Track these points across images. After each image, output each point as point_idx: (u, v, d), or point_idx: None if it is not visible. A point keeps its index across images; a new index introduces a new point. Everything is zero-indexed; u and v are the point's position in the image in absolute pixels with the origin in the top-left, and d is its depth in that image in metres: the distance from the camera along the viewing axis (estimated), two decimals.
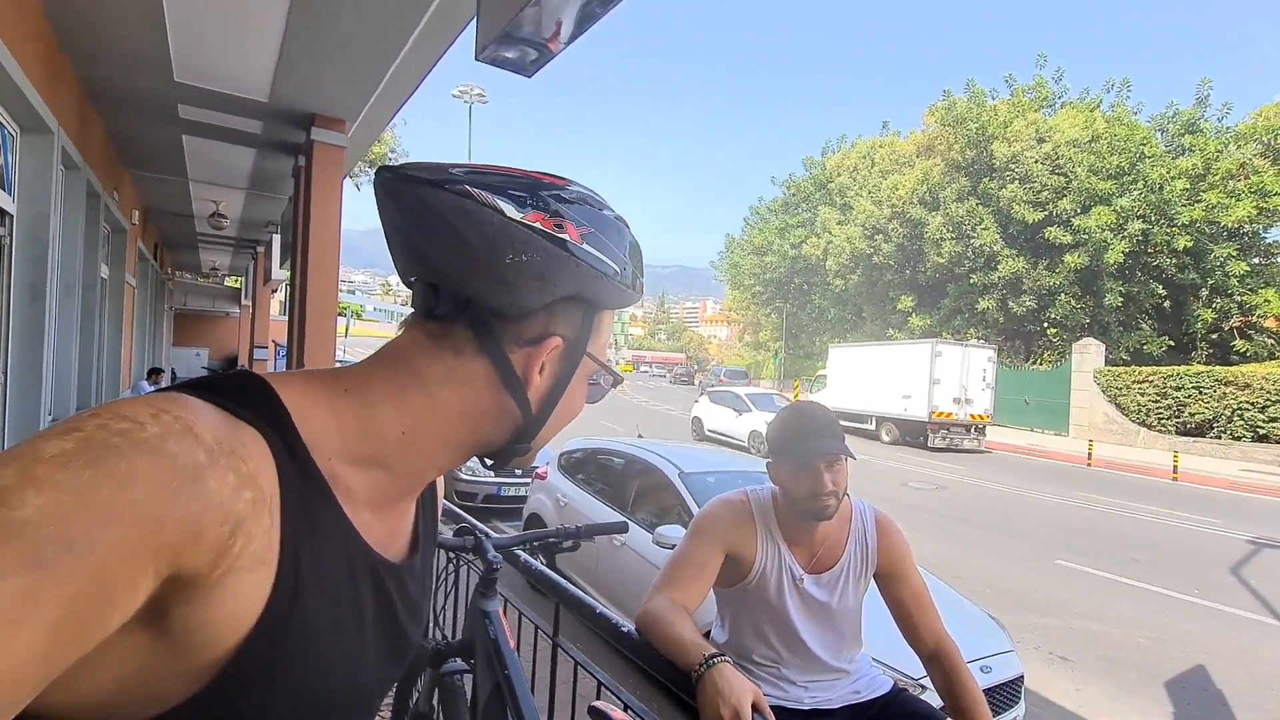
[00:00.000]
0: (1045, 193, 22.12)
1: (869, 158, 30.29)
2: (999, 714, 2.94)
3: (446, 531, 1.81)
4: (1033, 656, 4.42)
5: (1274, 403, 15.24)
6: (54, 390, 4.39)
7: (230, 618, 0.43)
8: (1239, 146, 20.21)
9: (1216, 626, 5.19)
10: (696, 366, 49.76)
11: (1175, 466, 12.79)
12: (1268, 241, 21.23)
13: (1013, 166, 22.82)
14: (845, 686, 1.51)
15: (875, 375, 17.31)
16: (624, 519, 1.69)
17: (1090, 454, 14.66)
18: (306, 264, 5.14)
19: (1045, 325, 23.26)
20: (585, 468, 5.22)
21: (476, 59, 2.02)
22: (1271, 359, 19.27)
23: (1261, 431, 15.40)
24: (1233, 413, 15.90)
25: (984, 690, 2.91)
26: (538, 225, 0.52)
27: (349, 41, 4.08)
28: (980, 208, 23.65)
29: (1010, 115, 23.74)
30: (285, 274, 9.08)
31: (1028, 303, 22.72)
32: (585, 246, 0.53)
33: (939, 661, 1.46)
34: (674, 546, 3.59)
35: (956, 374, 15.71)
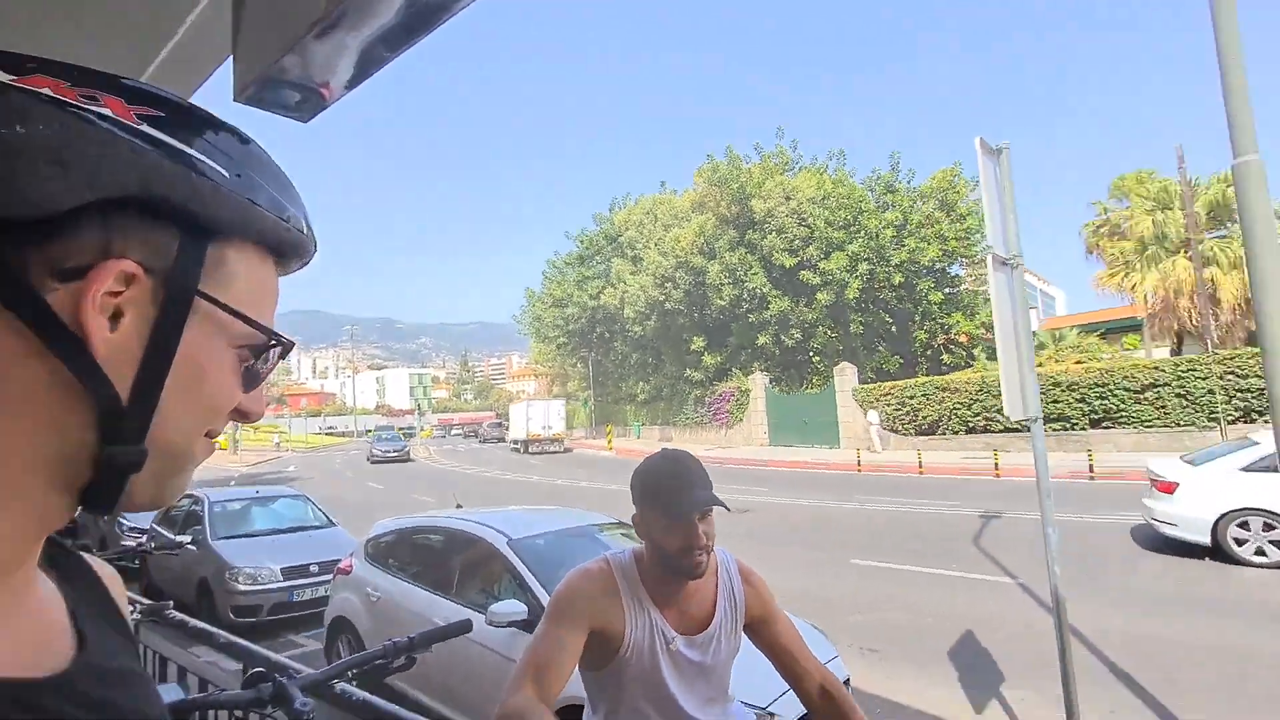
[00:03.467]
0: (796, 241, 25.91)
1: (652, 213, 32.87)
2: None
3: (229, 675, 1.42)
4: (848, 654, 4.85)
5: (975, 401, 19.24)
6: None
7: None
8: (924, 202, 25.80)
9: (972, 593, 6.23)
10: (499, 422, 49.13)
11: (920, 463, 15.42)
12: (953, 275, 27.23)
13: (769, 220, 26.41)
14: None
15: (518, 417, 32.80)
16: (466, 617, 1.46)
17: (860, 461, 17.04)
18: None
19: (811, 354, 26.89)
20: (398, 552, 4.67)
21: (235, 100, 1.73)
22: (968, 367, 24.45)
23: (970, 425, 19.30)
24: (950, 412, 19.72)
25: None
26: (45, 91, 0.37)
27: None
28: (749, 255, 26.89)
29: (762, 176, 27.60)
30: None
31: (795, 335, 26.13)
32: (145, 128, 0.39)
33: (830, 697, 1.43)
34: (510, 624, 3.35)
35: (541, 415, 30.77)
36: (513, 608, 3.28)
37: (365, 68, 1.78)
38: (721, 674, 1.43)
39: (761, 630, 1.49)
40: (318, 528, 7.46)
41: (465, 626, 1.46)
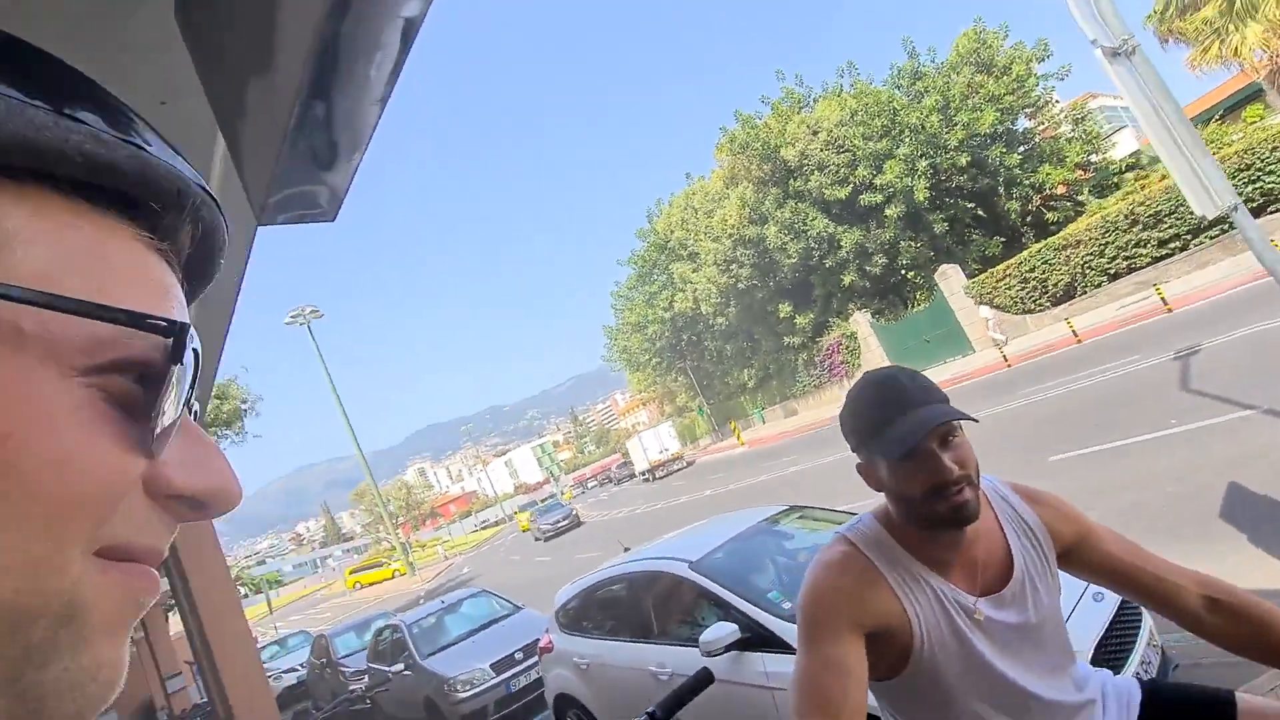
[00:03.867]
0: (842, 170, 24.59)
1: (689, 207, 32.49)
2: (1135, 629, 2.62)
3: None
4: None
5: (1106, 245, 17.16)
6: None
7: None
8: (957, 73, 23.77)
9: (1211, 441, 5.31)
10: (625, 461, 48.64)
11: (1074, 331, 13.84)
12: (1021, 131, 24.80)
13: (805, 162, 25.29)
14: (1107, 717, 1.08)
15: (635, 450, 33.36)
16: (704, 667, 1.23)
17: (1005, 356, 15.57)
18: (179, 562, 4.32)
19: (903, 272, 25.23)
20: (588, 613, 4.58)
21: (260, 224, 1.67)
22: (1079, 216, 21.98)
23: (1110, 272, 17.20)
24: (1082, 267, 17.70)
25: (1110, 619, 2.61)
26: None
27: None
28: (799, 205, 25.81)
29: (781, 124, 26.56)
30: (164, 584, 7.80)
31: (880, 261, 24.63)
32: None
33: (1221, 605, 1.05)
34: (727, 648, 3.11)
35: (654, 441, 31.77)
36: (723, 631, 3.05)
37: (372, 125, 1.66)
38: (1055, 630, 1.07)
39: (1084, 554, 1.12)
40: (507, 616, 7.62)
41: (705, 679, 1.22)
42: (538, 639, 5.41)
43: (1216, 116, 24.48)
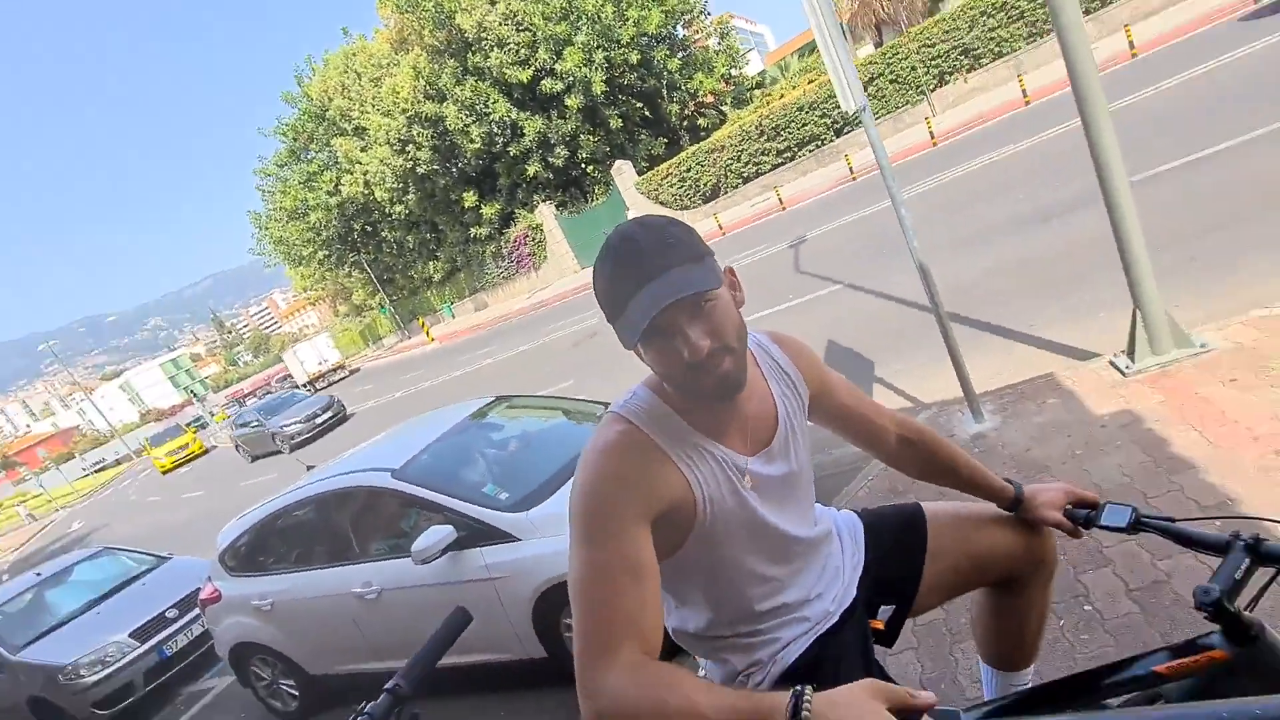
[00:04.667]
0: (523, 50, 23.57)
1: (350, 71, 27.77)
2: None
3: None
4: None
5: (742, 152, 20.26)
6: None
7: None
8: None
9: (816, 309, 6.82)
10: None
11: (720, 225, 16.30)
12: (680, 37, 26.93)
13: (484, 35, 23.48)
14: (843, 553, 1.19)
15: (293, 365, 32.12)
16: (459, 606, 0.98)
17: None
18: None
19: (584, 166, 26.09)
20: (266, 548, 3.89)
21: None
22: (722, 125, 25.38)
23: (744, 175, 20.50)
24: (724, 170, 20.69)
25: None
26: None
27: None
28: (480, 83, 24.14)
29: None
30: None
31: (562, 153, 24.93)
32: None
33: (911, 441, 1.23)
34: (442, 552, 2.93)
35: (311, 353, 31.13)
36: (438, 535, 2.85)
37: None
38: (808, 475, 1.11)
39: (823, 401, 1.16)
40: (148, 571, 6.15)
41: (462, 621, 1.00)
42: (198, 589, 4.49)
43: (808, 53, 30.23)
